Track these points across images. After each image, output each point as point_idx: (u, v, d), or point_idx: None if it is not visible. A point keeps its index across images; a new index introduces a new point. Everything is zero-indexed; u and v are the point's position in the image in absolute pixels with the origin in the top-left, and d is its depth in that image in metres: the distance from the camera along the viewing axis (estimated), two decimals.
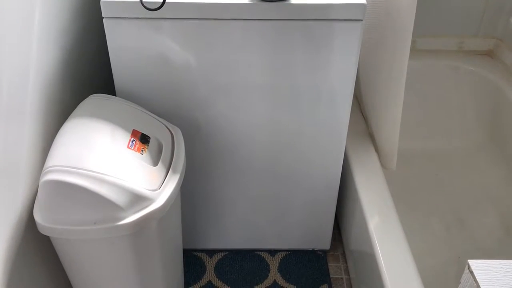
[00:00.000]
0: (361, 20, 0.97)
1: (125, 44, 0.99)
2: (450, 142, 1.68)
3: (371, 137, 1.35)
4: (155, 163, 0.91)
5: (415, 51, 1.61)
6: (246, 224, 1.34)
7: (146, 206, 0.85)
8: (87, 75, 1.15)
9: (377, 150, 1.32)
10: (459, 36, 1.66)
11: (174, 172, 0.92)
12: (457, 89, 1.65)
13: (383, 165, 1.28)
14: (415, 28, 1.09)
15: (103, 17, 0.95)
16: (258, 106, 1.09)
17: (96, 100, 0.97)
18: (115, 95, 1.06)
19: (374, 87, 1.30)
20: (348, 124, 1.14)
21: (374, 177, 1.23)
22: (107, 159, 0.84)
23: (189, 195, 1.25)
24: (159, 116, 1.03)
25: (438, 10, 1.60)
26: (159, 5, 0.90)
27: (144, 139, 0.93)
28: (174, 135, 1.00)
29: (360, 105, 1.46)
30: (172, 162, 0.94)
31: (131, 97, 1.05)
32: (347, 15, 0.96)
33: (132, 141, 0.90)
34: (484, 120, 1.65)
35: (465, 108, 1.66)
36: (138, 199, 0.84)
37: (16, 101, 0.81)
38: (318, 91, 1.07)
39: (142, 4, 0.89)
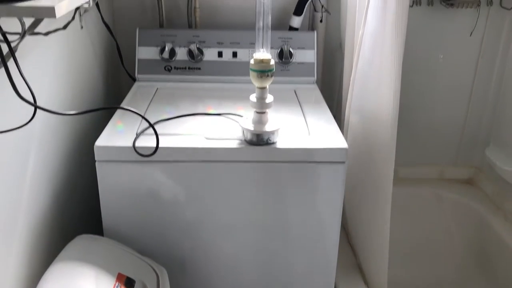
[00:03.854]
0: (344, 162, 1.01)
1: (116, 185, 1.00)
2: (438, 270, 1.66)
3: (360, 269, 1.34)
4: None
5: (397, 179, 1.66)
6: None
7: None
8: (76, 215, 1.16)
9: (366, 282, 1.29)
10: (439, 165, 1.72)
11: None
12: (441, 217, 1.67)
13: None
14: (397, 159, 1.13)
15: (95, 160, 0.98)
16: (246, 244, 1.09)
17: (82, 241, 0.96)
18: (102, 233, 1.05)
19: (360, 220, 1.32)
20: (336, 258, 1.13)
21: None
22: None
23: None
24: (145, 253, 1.02)
25: (417, 141, 1.68)
26: (152, 151, 0.93)
27: (129, 283, 0.90)
28: (159, 276, 0.98)
29: (347, 236, 1.46)
30: None
31: (118, 236, 1.04)
32: (331, 158, 1.01)
33: (117, 286, 0.88)
34: (471, 247, 1.65)
35: (451, 236, 1.67)
36: None
37: (2, 244, 0.80)
38: (306, 227, 1.08)
39: (136, 151, 0.93)
